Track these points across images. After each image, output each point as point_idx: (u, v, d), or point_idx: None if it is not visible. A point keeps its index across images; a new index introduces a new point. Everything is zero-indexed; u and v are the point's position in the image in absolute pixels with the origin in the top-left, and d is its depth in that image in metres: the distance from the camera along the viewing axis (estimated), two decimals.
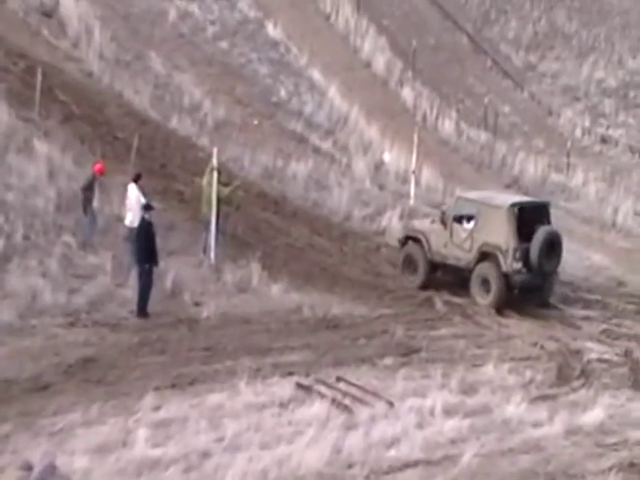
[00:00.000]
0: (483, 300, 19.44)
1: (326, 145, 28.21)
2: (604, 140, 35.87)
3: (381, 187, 26.62)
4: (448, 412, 14.01)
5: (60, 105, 22.98)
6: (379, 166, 28.07)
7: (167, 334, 16.62)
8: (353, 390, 14.58)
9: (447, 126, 32.09)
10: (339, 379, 14.97)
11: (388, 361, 15.97)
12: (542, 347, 17.54)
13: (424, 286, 20.27)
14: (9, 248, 17.67)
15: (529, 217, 19.62)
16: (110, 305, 17.20)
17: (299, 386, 14.57)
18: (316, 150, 27.69)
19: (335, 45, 33.98)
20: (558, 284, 21.20)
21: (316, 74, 31.38)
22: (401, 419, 13.68)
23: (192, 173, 21.81)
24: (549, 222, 20.02)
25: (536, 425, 14.05)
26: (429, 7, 39.32)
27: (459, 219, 20.19)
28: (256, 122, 27.87)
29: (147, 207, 17.75)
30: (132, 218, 18.53)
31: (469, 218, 20.07)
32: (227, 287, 18.70)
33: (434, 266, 20.45)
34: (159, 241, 17.79)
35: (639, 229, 28.01)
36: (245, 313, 17.89)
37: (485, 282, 19.50)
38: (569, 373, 16.49)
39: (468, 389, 15.09)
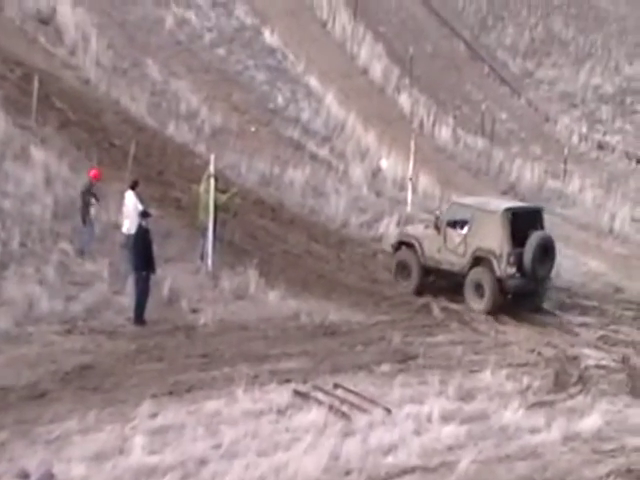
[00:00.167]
0: (477, 305, 19.49)
1: (323, 152, 28.24)
2: (601, 146, 35.92)
3: (378, 194, 26.64)
4: (445, 418, 14.01)
5: (57, 112, 23.00)
6: (376, 173, 28.10)
7: (164, 341, 16.61)
8: (350, 397, 14.58)
9: (444, 133, 32.13)
10: (336, 386, 14.97)
11: (385, 368, 15.97)
12: (539, 353, 17.54)
13: (418, 291, 20.31)
14: (6, 255, 17.66)
15: (523, 222, 19.68)
16: (107, 312, 17.19)
17: (296, 393, 14.57)
18: (313, 157, 27.72)
19: (332, 52, 34.03)
20: (555, 290, 21.24)
21: (313, 81, 31.42)
22: (398, 426, 13.68)
23: (189, 180, 21.81)
24: (542, 227, 20.08)
25: (533, 432, 14.05)
26: (426, 14, 39.39)
27: (453, 224, 20.23)
28: (253, 129, 27.90)
29: (144, 214, 17.76)
30: (129, 225, 18.53)
31: (462, 223, 20.12)
32: (224, 294, 18.69)
33: (427, 271, 20.49)
34: (156, 248, 17.79)
35: (636, 235, 28.03)
36: (242, 320, 17.89)
37: (479, 287, 19.55)
38: (566, 379, 16.49)
39: (465, 395, 15.10)
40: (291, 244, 22.05)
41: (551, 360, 17.27)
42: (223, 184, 20.71)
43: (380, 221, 24.07)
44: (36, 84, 22.33)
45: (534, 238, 19.54)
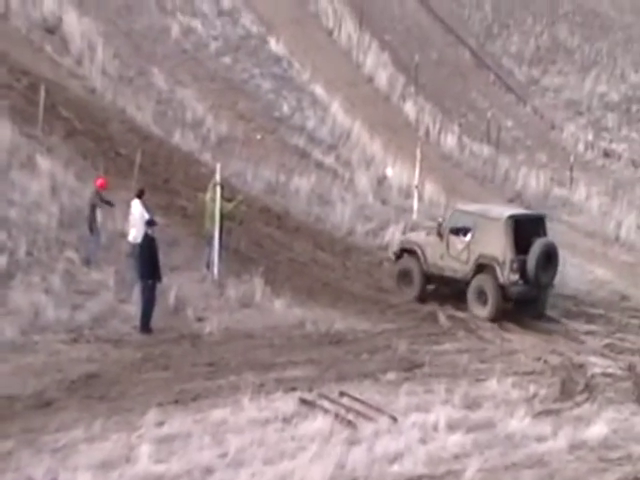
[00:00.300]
0: (480, 312, 19.51)
1: (329, 160, 28.28)
2: (607, 154, 35.91)
3: (384, 202, 26.66)
4: (451, 427, 13.99)
5: (63, 121, 23.06)
6: (382, 181, 28.12)
7: (170, 350, 16.62)
8: (356, 405, 14.57)
9: (450, 141, 32.15)
10: (342, 394, 14.96)
11: (391, 376, 15.96)
12: (546, 361, 17.52)
13: (420, 299, 20.31)
14: (12, 264, 17.70)
15: (525, 229, 19.71)
16: (113, 321, 17.20)
17: (302, 401, 14.56)
18: (319, 165, 27.76)
19: (338, 60, 34.09)
20: (561, 298, 21.23)
21: (319, 89, 31.48)
22: (404, 434, 13.66)
23: (195, 188, 21.85)
24: (545, 234, 20.12)
25: (540, 440, 14.02)
26: (431, 22, 39.45)
27: (455, 231, 20.25)
28: (259, 137, 27.95)
29: (150, 223, 17.78)
30: (135, 234, 18.55)
31: (465, 230, 20.14)
32: (230, 302, 18.71)
33: (430, 278, 20.50)
34: (162, 257, 17.80)
35: None
36: (248, 328, 17.90)
37: (482, 294, 19.58)
38: (573, 387, 16.47)
39: (471, 404, 15.08)
40: (297, 252, 22.06)
41: (557, 368, 17.24)
42: (229, 192, 20.72)
43: (386, 229, 24.09)
44: (42, 93, 22.40)
45: (537, 245, 19.56)
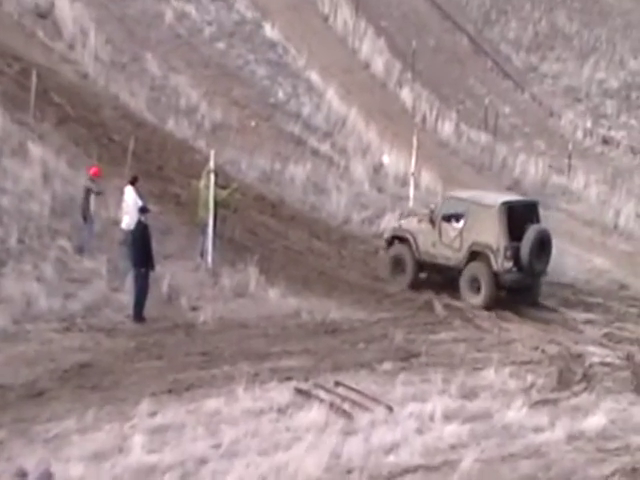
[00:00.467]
0: (473, 300, 19.54)
1: (324, 147, 28.21)
2: (606, 141, 35.85)
3: (380, 190, 26.62)
4: (448, 417, 14.00)
5: (55, 108, 22.98)
6: (378, 169, 28.06)
7: (163, 339, 16.61)
8: (352, 395, 14.57)
9: (447, 128, 32.07)
10: (338, 384, 14.96)
11: (387, 366, 15.96)
12: (543, 351, 17.53)
13: (412, 286, 20.28)
14: (3, 253, 17.66)
15: (519, 216, 19.72)
16: (106, 310, 17.18)
17: (297, 391, 14.56)
18: (314, 153, 27.69)
19: (333, 46, 33.97)
20: (559, 287, 21.24)
21: (314, 76, 31.37)
22: (400, 424, 13.66)
23: (189, 176, 21.80)
24: (539, 221, 20.14)
25: (537, 430, 14.04)
26: (429, 8, 39.32)
27: (448, 218, 20.23)
28: (253, 124, 27.86)
29: (143, 210, 17.74)
30: (128, 221, 18.51)
31: (458, 217, 20.12)
32: (224, 291, 18.69)
33: (422, 266, 20.48)
34: (155, 245, 17.78)
35: None
36: (242, 318, 17.88)
37: (475, 281, 19.60)
38: (570, 377, 16.47)
39: (468, 394, 15.09)
40: (292, 241, 22.03)
41: (555, 358, 17.25)
42: (223, 180, 20.69)
43: (382, 217, 24.05)
44: (34, 79, 22.31)
45: (531, 232, 19.59)
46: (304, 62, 31.80)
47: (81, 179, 19.74)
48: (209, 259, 19.43)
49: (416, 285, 20.41)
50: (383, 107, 31.74)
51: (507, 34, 40.38)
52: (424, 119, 32.12)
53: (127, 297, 17.41)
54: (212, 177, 19.53)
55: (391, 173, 27.80)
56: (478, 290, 19.56)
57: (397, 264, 20.63)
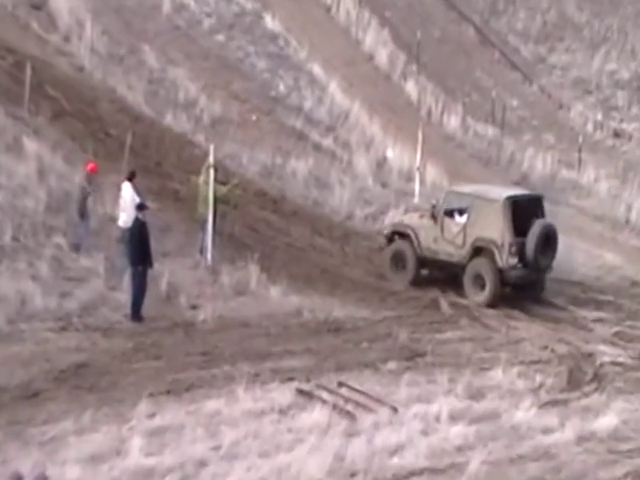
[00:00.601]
0: (477, 297, 19.57)
1: (327, 142, 28.21)
2: (617, 134, 35.82)
3: (384, 185, 26.63)
4: (454, 418, 14.03)
5: (50, 101, 22.99)
6: (382, 163, 28.06)
7: (162, 339, 16.63)
8: (355, 396, 14.59)
9: (453, 121, 32.06)
10: (341, 384, 14.98)
11: (392, 365, 15.99)
12: (552, 350, 17.54)
13: (413, 283, 20.29)
14: None
15: (523, 211, 19.74)
16: (103, 309, 17.21)
17: (299, 392, 14.59)
18: (316, 147, 27.69)
19: (336, 38, 33.97)
20: (569, 285, 21.27)
21: (316, 68, 31.36)
22: (405, 426, 13.70)
23: (188, 171, 21.82)
24: (543, 215, 20.15)
25: (546, 431, 14.07)
26: None
27: (450, 213, 20.24)
28: (254, 118, 27.88)
29: (141, 207, 17.76)
30: (126, 218, 18.53)
31: (461, 212, 20.12)
32: (224, 290, 18.71)
33: (423, 263, 20.48)
34: (154, 242, 17.80)
35: None
36: (243, 316, 17.90)
37: (479, 278, 19.63)
38: (581, 377, 16.50)
39: (475, 394, 15.12)
40: (294, 237, 22.05)
41: (565, 357, 17.27)
42: (223, 175, 20.71)
43: (386, 213, 24.06)
44: (28, 72, 22.33)
45: (536, 227, 19.61)
46: (306, 54, 31.79)
47: (77, 175, 19.75)
48: (209, 256, 19.44)
49: (417, 282, 20.42)
50: (387, 100, 31.73)
51: (515, 24, 40.34)
52: (429, 112, 32.12)
53: (125, 296, 17.43)
54: (212, 172, 19.55)
55: (395, 168, 27.80)
56: (482, 287, 19.58)
57: (397, 261, 20.64)
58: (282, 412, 13.95)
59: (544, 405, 14.98)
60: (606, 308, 20.46)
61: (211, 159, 19.65)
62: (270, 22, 32.46)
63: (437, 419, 14.01)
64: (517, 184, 28.71)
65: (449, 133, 31.71)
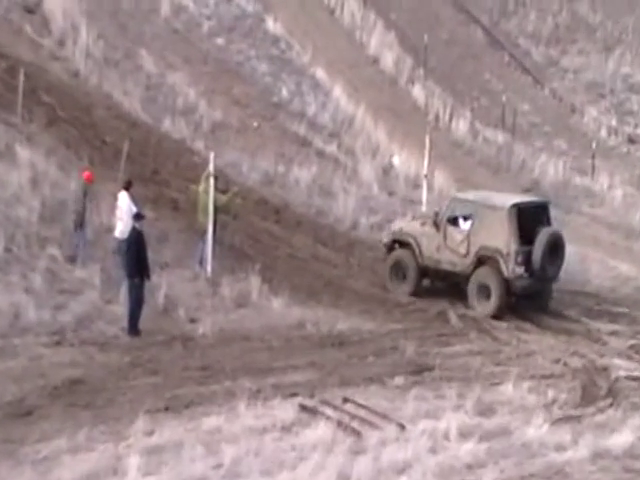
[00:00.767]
0: (482, 308, 19.58)
1: (331, 148, 28.28)
2: (632, 140, 35.91)
3: (390, 193, 26.68)
4: (464, 435, 14.01)
5: (44, 108, 23.07)
6: (388, 170, 28.13)
7: (160, 353, 16.65)
8: (361, 412, 14.59)
9: (461, 127, 32.15)
10: (346, 400, 14.99)
11: (398, 380, 15.98)
12: (565, 364, 17.54)
13: (414, 293, 20.33)
14: None
15: (529, 218, 19.77)
16: (99, 322, 17.23)
17: (303, 408, 14.59)
18: (320, 154, 27.76)
19: (340, 41, 34.08)
20: (583, 296, 21.29)
21: (320, 72, 31.47)
22: (413, 443, 13.68)
23: (187, 179, 21.87)
24: (550, 223, 20.17)
25: (559, 449, 14.05)
26: None
27: (453, 221, 20.26)
28: (255, 124, 27.95)
29: (138, 216, 17.79)
30: (122, 228, 18.57)
31: (464, 219, 20.14)
32: (225, 302, 18.73)
33: (425, 272, 20.50)
34: (151, 253, 17.84)
35: None
36: (244, 330, 17.92)
37: (484, 288, 19.65)
38: (595, 392, 16.48)
39: (485, 410, 15.11)
40: (296, 248, 22.08)
41: (578, 371, 17.26)
42: (223, 184, 20.75)
43: (392, 222, 24.05)
44: (21, 77, 22.40)
45: (543, 235, 19.63)
46: (309, 58, 31.90)
47: (73, 183, 19.78)
48: (208, 268, 19.47)
49: (422, 293, 20.44)
50: (393, 105, 31.81)
51: (525, 26, 40.46)
52: (437, 117, 32.21)
53: (121, 309, 17.46)
54: (212, 181, 19.59)
55: (402, 175, 27.86)
56: (487, 297, 19.60)
57: (398, 270, 20.66)
58: (285, 429, 13.95)
59: (557, 421, 14.97)
60: (621, 320, 20.45)
61: (211, 167, 19.69)
62: (272, 25, 32.57)
63: (446, 436, 14.00)
64: (528, 191, 28.75)
65: (457, 139, 31.78)
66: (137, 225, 17.58)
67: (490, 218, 19.75)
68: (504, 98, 34.33)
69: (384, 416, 14.50)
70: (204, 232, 19.62)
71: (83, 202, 18.92)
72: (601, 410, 15.76)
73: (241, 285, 19.12)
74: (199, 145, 25.01)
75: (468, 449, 13.65)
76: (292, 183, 25.13)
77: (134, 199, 19.06)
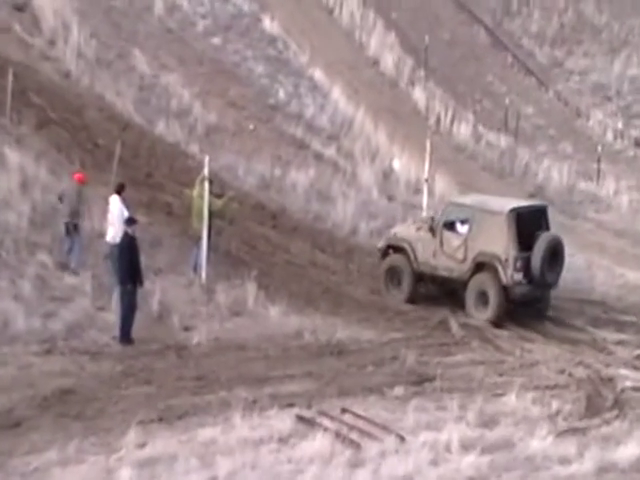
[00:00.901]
0: (480, 315, 19.60)
1: (329, 152, 28.30)
2: (638, 144, 35.93)
3: (390, 198, 26.70)
4: (465, 447, 14.02)
5: (34, 109, 23.09)
6: (388, 175, 28.14)
7: (153, 362, 16.64)
8: (360, 423, 14.60)
9: (463, 130, 32.18)
10: (344, 411, 14.99)
11: (399, 391, 15.99)
12: (570, 374, 17.54)
13: (410, 300, 20.36)
14: None
15: (527, 223, 19.80)
16: (90, 331, 17.23)
17: (300, 419, 14.60)
18: (318, 157, 27.78)
19: (339, 41, 34.13)
20: (588, 304, 21.29)
21: (318, 73, 31.50)
22: (413, 455, 13.69)
23: (181, 183, 21.89)
24: (548, 227, 20.20)
25: (564, 462, 14.05)
26: None
27: (450, 226, 20.29)
28: (252, 127, 27.98)
29: (130, 221, 17.81)
30: (114, 234, 18.58)
31: (461, 224, 20.17)
32: (220, 310, 18.74)
33: (420, 278, 20.54)
34: (144, 259, 17.85)
35: None
36: (240, 338, 17.92)
37: (482, 295, 19.68)
38: (601, 403, 16.49)
39: (488, 421, 15.11)
40: (294, 254, 22.09)
41: (583, 382, 17.26)
42: (218, 188, 20.76)
43: (392, 228, 24.07)
44: (10, 78, 22.43)
45: (542, 240, 19.67)
46: (307, 59, 31.93)
47: (63, 187, 19.78)
48: (203, 274, 19.48)
49: (419, 300, 20.47)
50: (393, 107, 31.84)
51: (529, 26, 40.51)
52: (438, 120, 32.23)
53: (113, 316, 17.46)
54: (206, 185, 19.61)
55: (402, 179, 27.87)
56: (485, 304, 19.64)
57: (393, 276, 20.69)
58: (282, 441, 13.96)
59: (561, 433, 14.97)
60: (628, 329, 20.45)
61: (206, 171, 19.71)
62: (269, 24, 32.61)
63: (447, 448, 14.01)
64: (532, 197, 28.77)
65: (459, 142, 31.81)
66: (129, 230, 17.59)
67: (488, 223, 19.79)
68: (507, 100, 34.37)
69: (384, 427, 14.51)
70: (199, 237, 19.64)
71: (77, 205, 18.92)
72: (607, 422, 15.76)
73: (237, 292, 19.14)
74: (194, 148, 25.04)
75: (470, 462, 13.65)
76: (289, 187, 25.15)
77: (126, 203, 19.06)
